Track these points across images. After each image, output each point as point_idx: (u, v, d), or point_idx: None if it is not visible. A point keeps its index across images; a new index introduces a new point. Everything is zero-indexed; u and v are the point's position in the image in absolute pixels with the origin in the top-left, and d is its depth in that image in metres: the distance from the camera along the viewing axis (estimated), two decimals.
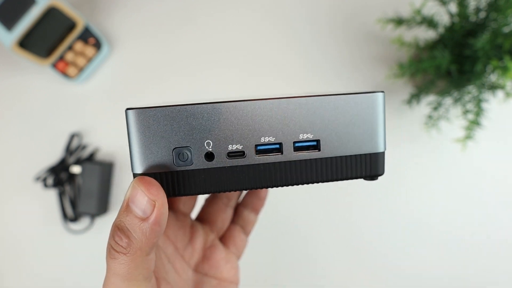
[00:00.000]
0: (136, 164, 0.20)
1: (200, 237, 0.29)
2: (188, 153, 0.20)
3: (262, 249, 0.55)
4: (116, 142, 0.58)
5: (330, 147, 0.21)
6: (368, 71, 0.57)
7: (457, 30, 0.47)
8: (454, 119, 0.53)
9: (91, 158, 0.57)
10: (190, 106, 0.19)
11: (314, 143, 0.21)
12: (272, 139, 0.20)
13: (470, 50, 0.46)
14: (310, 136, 0.20)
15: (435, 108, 0.51)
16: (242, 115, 0.20)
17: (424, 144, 0.56)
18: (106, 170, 0.56)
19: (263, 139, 0.20)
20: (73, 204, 0.57)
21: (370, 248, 0.56)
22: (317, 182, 0.21)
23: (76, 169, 0.57)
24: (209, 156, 0.20)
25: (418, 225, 0.56)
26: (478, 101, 0.46)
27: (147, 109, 0.19)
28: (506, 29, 0.45)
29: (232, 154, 0.20)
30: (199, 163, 0.20)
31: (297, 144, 0.21)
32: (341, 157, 0.21)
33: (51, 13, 0.53)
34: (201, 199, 0.32)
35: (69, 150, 0.57)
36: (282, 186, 0.21)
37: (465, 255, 0.56)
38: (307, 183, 0.21)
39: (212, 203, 0.31)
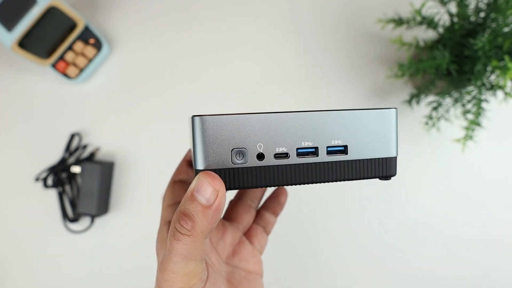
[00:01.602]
0: (200, 161, 0.23)
1: (230, 234, 0.33)
2: (244, 153, 0.24)
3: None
4: (116, 142, 0.58)
5: (355, 152, 0.25)
6: (368, 71, 0.57)
7: (457, 30, 0.47)
8: (454, 119, 0.53)
9: (91, 158, 0.57)
10: (246, 115, 0.24)
11: (343, 148, 0.25)
12: (310, 144, 0.24)
13: (470, 50, 0.46)
14: (340, 142, 0.25)
15: (435, 108, 0.51)
16: (287, 123, 0.24)
17: (424, 144, 0.56)
18: (106, 169, 0.56)
19: (303, 144, 0.24)
20: (73, 204, 0.57)
21: (370, 247, 0.56)
22: (344, 180, 0.25)
23: (76, 169, 0.57)
24: (260, 156, 0.24)
25: (418, 225, 0.56)
26: (478, 101, 0.46)
27: (211, 116, 0.23)
28: (506, 29, 0.45)
29: (278, 155, 0.24)
30: (252, 161, 0.24)
31: (329, 148, 0.25)
32: (363, 159, 0.25)
33: (51, 13, 0.53)
34: (227, 200, 0.35)
35: (69, 150, 0.57)
36: (316, 183, 0.25)
37: (464, 255, 0.56)
38: (336, 181, 0.25)
39: (237, 205, 0.35)
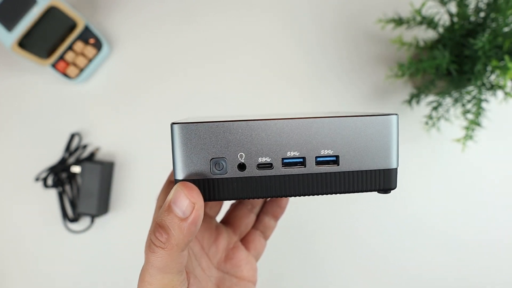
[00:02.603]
0: (179, 171, 0.22)
1: (224, 238, 0.32)
2: (223, 163, 0.22)
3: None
4: (116, 142, 0.58)
5: (348, 162, 0.23)
6: (368, 71, 0.57)
7: (457, 30, 0.47)
8: (454, 119, 0.53)
9: (91, 158, 0.57)
10: (227, 122, 0.22)
11: (334, 158, 0.23)
12: (296, 154, 0.23)
13: (470, 50, 0.46)
14: (330, 152, 0.23)
15: (435, 108, 0.51)
16: (271, 131, 0.22)
17: (424, 144, 0.56)
18: (106, 169, 0.56)
19: (289, 153, 0.23)
20: (73, 204, 0.57)
21: (370, 247, 0.56)
22: (336, 193, 0.23)
23: (76, 169, 0.57)
24: (242, 166, 0.23)
25: (418, 225, 0.56)
26: (478, 101, 0.46)
27: (190, 124, 0.22)
28: (506, 29, 0.45)
29: (261, 166, 0.23)
30: (233, 172, 0.23)
31: (318, 159, 0.23)
32: (357, 171, 0.23)
33: (51, 13, 0.53)
34: (227, 204, 0.34)
35: (69, 150, 0.57)
36: (304, 195, 0.23)
37: (464, 255, 0.56)
38: (327, 194, 0.23)
39: (237, 209, 0.34)
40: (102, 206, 0.56)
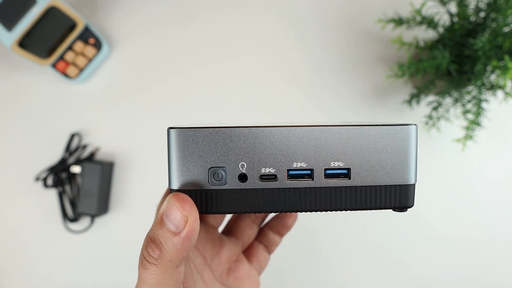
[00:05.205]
0: (174, 180, 0.21)
1: (227, 250, 0.30)
2: (223, 173, 0.21)
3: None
4: (116, 142, 0.58)
5: (361, 176, 0.21)
6: (368, 71, 0.57)
7: (457, 30, 0.47)
8: (454, 119, 0.53)
9: (91, 158, 0.57)
10: (227, 128, 0.20)
11: (345, 171, 0.21)
12: (304, 165, 0.21)
13: (470, 50, 0.46)
14: (341, 164, 0.21)
15: (435, 108, 0.51)
16: (276, 140, 0.20)
17: (424, 144, 0.56)
18: (106, 169, 0.56)
19: (295, 165, 0.21)
20: (73, 204, 0.57)
21: (370, 247, 0.56)
22: (346, 210, 0.21)
23: (76, 169, 0.57)
24: (243, 177, 0.21)
25: (417, 225, 0.56)
26: (478, 101, 0.46)
27: (187, 129, 0.20)
28: (506, 29, 0.45)
29: (264, 177, 0.21)
30: (233, 183, 0.21)
31: (328, 171, 0.21)
32: (371, 186, 0.21)
33: (51, 13, 0.53)
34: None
35: (69, 150, 0.57)
36: (311, 211, 0.21)
37: (464, 255, 0.56)
38: (336, 210, 0.21)
39: (240, 219, 0.32)
40: (102, 206, 0.56)
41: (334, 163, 0.21)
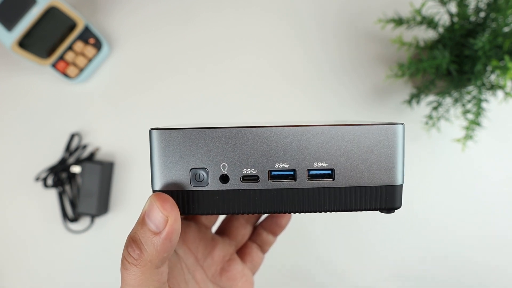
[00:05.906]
0: (156, 181, 0.21)
1: (220, 249, 0.30)
2: (204, 174, 0.20)
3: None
4: (116, 142, 0.58)
5: (345, 177, 0.21)
6: (368, 71, 0.57)
7: (457, 30, 0.47)
8: (454, 119, 0.53)
9: (91, 158, 0.57)
10: (208, 129, 0.20)
11: (329, 172, 0.21)
12: (286, 166, 0.20)
13: (470, 50, 0.46)
14: (324, 165, 0.20)
15: (435, 108, 0.51)
16: (258, 140, 0.20)
17: (424, 144, 0.56)
18: (106, 169, 0.56)
19: (277, 165, 0.20)
20: (73, 204, 0.57)
21: (369, 247, 0.56)
22: (330, 211, 0.21)
23: (76, 169, 0.57)
24: (224, 178, 0.21)
25: (417, 225, 0.56)
26: (478, 101, 0.46)
27: (168, 130, 0.20)
28: (506, 29, 0.45)
29: (246, 178, 0.21)
30: (214, 184, 0.20)
31: (311, 172, 0.21)
32: (355, 187, 0.21)
33: (51, 13, 0.53)
34: None
35: (69, 150, 0.57)
36: (294, 212, 0.21)
37: (464, 255, 0.56)
38: (320, 212, 0.21)
39: (233, 218, 0.32)
40: (102, 206, 0.56)
41: (317, 164, 0.20)
